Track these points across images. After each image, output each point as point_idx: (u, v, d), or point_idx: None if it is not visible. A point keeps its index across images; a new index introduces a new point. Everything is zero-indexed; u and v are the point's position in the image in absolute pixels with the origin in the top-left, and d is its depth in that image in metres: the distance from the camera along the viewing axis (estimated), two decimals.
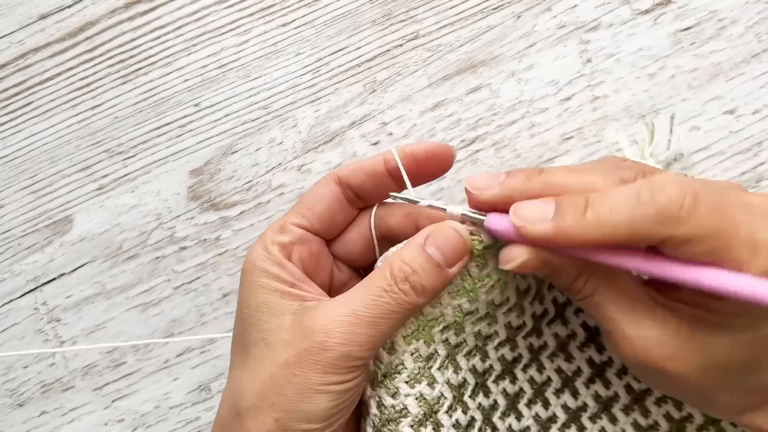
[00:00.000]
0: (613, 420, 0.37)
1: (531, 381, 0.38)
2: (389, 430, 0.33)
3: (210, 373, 0.46)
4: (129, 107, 0.49)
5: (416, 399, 0.33)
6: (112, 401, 0.47)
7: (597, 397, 0.38)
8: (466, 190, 0.32)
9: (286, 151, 0.48)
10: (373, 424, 0.34)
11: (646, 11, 0.47)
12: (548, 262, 0.29)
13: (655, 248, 0.27)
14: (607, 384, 0.38)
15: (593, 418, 0.37)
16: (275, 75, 0.49)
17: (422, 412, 0.33)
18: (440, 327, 0.35)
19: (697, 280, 0.26)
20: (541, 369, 0.38)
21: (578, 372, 0.38)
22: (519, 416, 0.38)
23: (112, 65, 0.49)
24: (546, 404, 0.38)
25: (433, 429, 0.34)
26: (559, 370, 0.38)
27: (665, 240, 0.26)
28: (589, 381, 0.38)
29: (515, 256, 0.29)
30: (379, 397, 0.33)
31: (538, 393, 0.38)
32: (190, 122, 0.49)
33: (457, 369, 0.36)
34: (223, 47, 0.49)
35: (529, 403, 0.38)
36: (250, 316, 0.32)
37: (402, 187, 0.35)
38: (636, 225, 0.26)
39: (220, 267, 0.47)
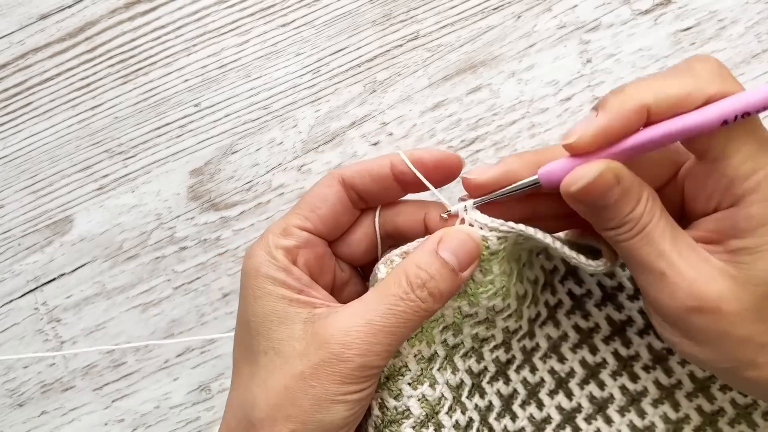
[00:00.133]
0: (609, 421, 0.37)
1: (524, 382, 0.38)
2: (391, 431, 0.33)
3: (210, 373, 0.46)
4: (129, 107, 0.49)
5: (418, 400, 0.33)
6: (112, 401, 0.46)
7: (592, 398, 0.38)
8: (464, 180, 0.32)
9: (286, 151, 0.48)
10: (375, 425, 0.34)
11: (646, 11, 0.47)
12: (619, 176, 0.28)
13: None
14: (601, 385, 0.38)
15: (588, 419, 0.37)
16: (275, 75, 0.49)
17: (424, 413, 0.33)
18: (440, 327, 0.35)
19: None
20: (533, 370, 0.38)
21: (572, 373, 0.38)
22: (514, 417, 0.38)
23: (112, 65, 0.49)
24: (540, 405, 0.38)
25: (435, 430, 0.34)
26: (552, 371, 0.38)
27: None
28: (583, 382, 0.38)
29: (585, 173, 0.28)
30: (382, 399, 0.33)
31: (532, 394, 0.38)
32: (190, 122, 0.49)
33: (454, 370, 0.36)
34: (223, 47, 0.49)
35: (523, 404, 0.38)
36: (257, 324, 0.32)
37: (406, 191, 0.35)
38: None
39: (220, 267, 0.47)
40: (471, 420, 0.36)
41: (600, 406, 0.37)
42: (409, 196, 0.36)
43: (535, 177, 0.31)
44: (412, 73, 0.48)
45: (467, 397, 0.36)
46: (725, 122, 0.27)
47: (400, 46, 0.48)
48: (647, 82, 0.28)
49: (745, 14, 0.46)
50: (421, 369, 0.34)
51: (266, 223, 0.47)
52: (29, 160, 0.49)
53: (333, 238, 0.36)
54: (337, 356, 0.29)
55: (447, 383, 0.35)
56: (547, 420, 0.37)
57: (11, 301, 0.48)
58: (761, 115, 0.29)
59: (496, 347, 0.37)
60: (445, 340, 0.35)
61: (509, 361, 0.38)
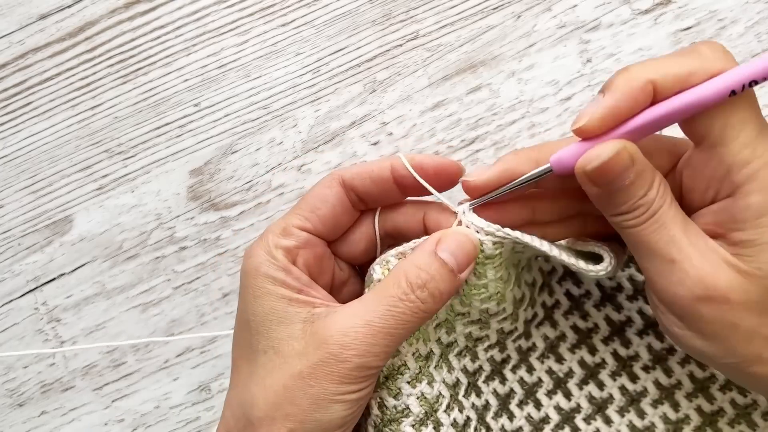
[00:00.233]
0: (608, 421, 0.37)
1: (521, 382, 0.38)
2: (391, 430, 0.33)
3: (210, 373, 0.46)
4: (129, 107, 0.49)
5: (417, 398, 0.33)
6: (112, 401, 0.47)
7: (591, 398, 0.38)
8: (463, 183, 0.32)
9: (286, 151, 0.48)
10: (375, 424, 0.34)
11: (646, 11, 0.47)
12: (633, 157, 0.28)
13: None
14: (600, 385, 0.38)
15: (587, 420, 0.37)
16: (275, 75, 0.49)
17: (423, 411, 0.33)
18: (434, 324, 0.35)
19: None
20: (530, 370, 0.38)
21: (570, 373, 0.38)
22: (511, 416, 0.38)
23: (112, 65, 0.49)
24: (538, 405, 0.38)
25: (434, 428, 0.34)
26: (550, 372, 0.38)
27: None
28: (582, 382, 0.38)
29: (601, 152, 0.28)
30: (381, 398, 0.33)
31: (529, 394, 0.38)
32: (190, 122, 0.49)
33: (450, 368, 0.36)
34: (223, 47, 0.49)
35: (521, 404, 0.38)
36: (257, 324, 0.32)
37: (406, 194, 0.35)
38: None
39: (220, 267, 0.47)
40: (468, 419, 0.36)
41: (599, 407, 0.37)
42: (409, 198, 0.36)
43: (548, 165, 0.31)
44: (412, 73, 0.48)
45: (464, 396, 0.36)
46: (733, 92, 0.27)
47: (400, 45, 0.48)
48: (652, 61, 0.29)
49: (745, 14, 0.46)
50: (420, 367, 0.34)
51: (266, 223, 0.47)
52: (29, 160, 0.49)
53: (332, 239, 0.36)
54: (335, 356, 0.29)
55: (444, 381, 0.35)
56: (545, 420, 0.38)
57: (11, 301, 0.48)
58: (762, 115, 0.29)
59: (490, 347, 0.37)
60: (440, 339, 0.36)
61: (504, 361, 0.38)
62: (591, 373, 0.38)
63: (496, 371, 0.38)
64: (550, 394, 0.38)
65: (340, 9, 0.49)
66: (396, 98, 0.48)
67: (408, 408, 0.33)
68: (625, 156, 0.28)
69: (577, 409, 0.37)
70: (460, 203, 0.34)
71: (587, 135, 0.29)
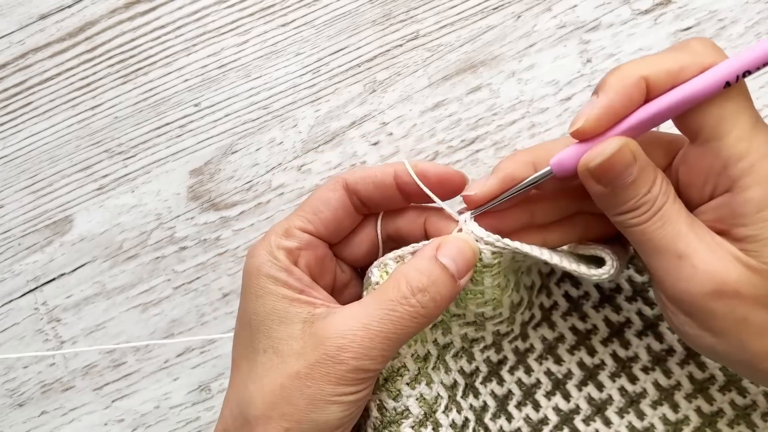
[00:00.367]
0: (608, 422, 0.37)
1: (519, 383, 0.38)
2: (390, 431, 0.33)
3: (210, 373, 0.46)
4: (129, 107, 0.49)
5: (417, 400, 0.33)
6: (112, 401, 0.47)
7: (590, 399, 0.38)
8: (465, 198, 0.32)
9: (286, 151, 0.48)
10: (374, 426, 0.34)
11: (646, 11, 0.47)
12: (635, 153, 0.28)
13: None
14: (600, 386, 0.38)
15: (586, 421, 0.37)
16: (275, 75, 0.48)
17: (423, 413, 0.33)
18: (430, 325, 0.35)
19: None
20: (529, 371, 0.38)
21: (569, 374, 0.38)
22: (509, 418, 0.38)
23: (112, 65, 0.49)
24: (536, 406, 0.38)
25: (433, 429, 0.34)
26: (548, 373, 0.38)
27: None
28: (581, 383, 0.38)
29: (603, 148, 0.28)
30: (380, 400, 0.34)
31: (528, 395, 0.38)
32: (190, 122, 0.49)
33: (447, 370, 0.36)
34: (223, 47, 0.49)
35: (519, 405, 0.38)
36: (258, 323, 0.32)
37: (408, 201, 0.35)
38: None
39: (220, 267, 0.47)
40: (467, 420, 0.36)
41: (598, 408, 0.37)
42: None
43: (548, 168, 0.31)
44: (412, 73, 0.48)
45: (462, 397, 0.36)
46: (727, 84, 0.27)
47: (400, 45, 0.48)
48: (644, 59, 0.29)
49: (745, 14, 0.46)
50: (418, 368, 0.34)
51: (266, 223, 0.47)
52: (29, 160, 0.49)
53: (334, 242, 0.36)
54: (332, 358, 0.29)
55: (441, 383, 0.35)
56: (544, 421, 0.38)
57: (11, 301, 0.48)
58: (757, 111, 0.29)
59: (486, 348, 0.38)
60: (436, 340, 0.36)
61: (501, 362, 0.38)
62: (590, 375, 0.38)
63: (493, 372, 0.38)
64: (548, 395, 0.38)
65: (340, 9, 0.49)
66: (396, 98, 0.48)
67: (408, 409, 0.33)
68: (627, 152, 0.28)
69: (576, 410, 0.37)
70: (461, 212, 0.34)
71: (585, 136, 0.29)
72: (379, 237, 0.36)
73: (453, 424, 0.35)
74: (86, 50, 0.50)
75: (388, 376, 0.33)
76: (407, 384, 0.33)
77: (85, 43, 0.50)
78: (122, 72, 0.49)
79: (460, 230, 0.33)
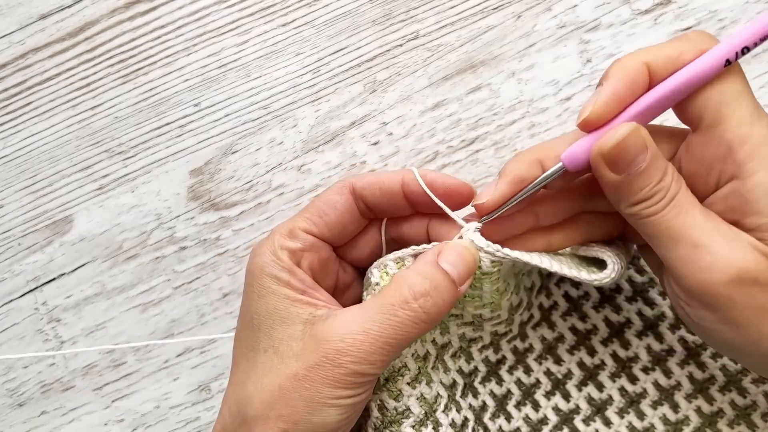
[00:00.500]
0: (608, 423, 0.37)
1: (518, 383, 0.38)
2: (391, 431, 0.33)
3: (210, 373, 0.46)
4: (129, 107, 0.49)
5: (417, 399, 0.34)
6: (112, 401, 0.47)
7: (590, 399, 0.38)
8: (476, 207, 0.32)
9: (286, 151, 0.48)
10: (375, 426, 0.34)
11: (646, 11, 0.47)
12: (646, 139, 0.28)
13: None
14: (600, 387, 0.38)
15: (586, 421, 0.37)
16: (275, 75, 0.48)
17: (423, 412, 0.34)
18: (430, 330, 0.35)
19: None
20: (528, 371, 0.38)
21: (569, 374, 0.38)
22: (509, 417, 0.38)
23: (112, 65, 0.49)
24: (536, 406, 0.38)
25: (433, 428, 0.34)
26: (548, 373, 0.38)
27: None
28: (581, 384, 0.38)
29: (615, 132, 0.28)
30: (381, 401, 0.34)
31: (527, 395, 0.38)
32: (190, 122, 0.49)
33: (446, 369, 0.36)
34: (223, 47, 0.49)
35: (518, 405, 0.38)
36: (260, 322, 0.32)
37: (414, 208, 0.35)
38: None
39: (220, 267, 0.47)
40: (466, 419, 0.36)
41: (598, 408, 0.37)
42: None
43: (559, 164, 0.30)
44: (412, 73, 0.48)
45: (461, 397, 0.36)
46: (728, 62, 0.28)
47: (400, 45, 0.48)
48: (644, 48, 0.29)
49: (745, 14, 0.46)
50: (419, 368, 0.34)
51: (266, 223, 0.47)
52: (29, 160, 0.49)
53: (338, 244, 0.36)
54: (331, 361, 0.29)
55: (441, 382, 0.35)
56: (543, 421, 0.38)
57: (11, 301, 0.48)
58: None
59: (484, 347, 0.38)
60: (434, 339, 0.36)
61: (500, 362, 0.38)
62: (590, 375, 0.38)
63: (492, 372, 0.38)
64: (548, 395, 0.38)
65: (340, 9, 0.49)
66: (396, 98, 0.48)
67: (408, 409, 0.33)
68: (639, 136, 0.28)
69: (576, 410, 0.37)
70: (467, 219, 0.34)
71: (592, 126, 0.29)
72: (383, 241, 0.36)
73: (453, 424, 0.35)
74: (86, 50, 0.50)
75: (389, 376, 0.33)
76: (408, 384, 0.33)
77: (85, 43, 0.50)
78: (122, 72, 0.49)
79: (461, 236, 0.33)
